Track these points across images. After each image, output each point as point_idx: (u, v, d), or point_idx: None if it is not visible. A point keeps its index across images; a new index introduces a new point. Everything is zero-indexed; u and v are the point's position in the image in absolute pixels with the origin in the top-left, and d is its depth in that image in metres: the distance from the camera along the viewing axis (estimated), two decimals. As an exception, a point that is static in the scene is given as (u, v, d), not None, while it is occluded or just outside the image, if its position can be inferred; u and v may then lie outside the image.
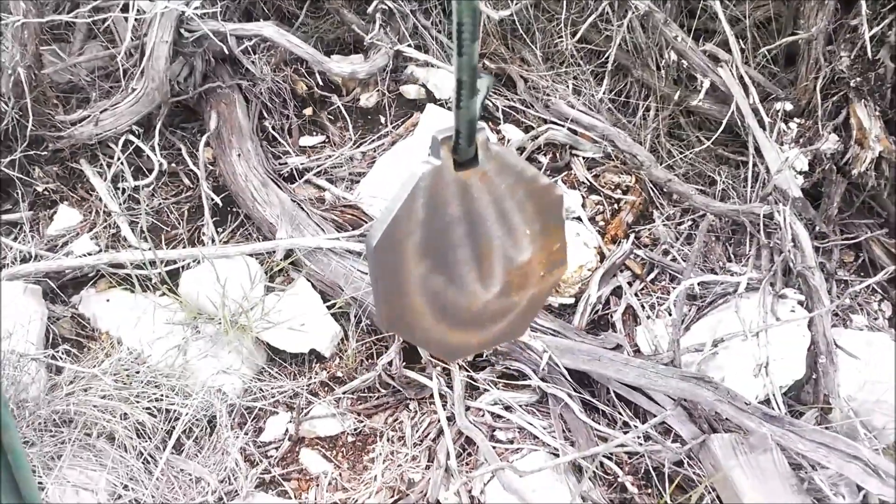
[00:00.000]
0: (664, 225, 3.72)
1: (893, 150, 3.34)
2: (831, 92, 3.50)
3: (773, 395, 2.92)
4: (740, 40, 3.87)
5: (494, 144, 0.86)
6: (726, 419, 2.86)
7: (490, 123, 3.90)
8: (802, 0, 3.62)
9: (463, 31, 0.77)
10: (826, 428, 3.03)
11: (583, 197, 3.73)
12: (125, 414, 2.80)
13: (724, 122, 3.64)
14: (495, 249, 0.90)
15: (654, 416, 2.92)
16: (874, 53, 3.28)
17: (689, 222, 3.76)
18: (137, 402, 2.84)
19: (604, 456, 2.84)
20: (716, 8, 3.71)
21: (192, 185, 3.57)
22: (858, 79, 3.38)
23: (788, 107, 3.65)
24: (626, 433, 2.87)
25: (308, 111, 3.90)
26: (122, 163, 3.45)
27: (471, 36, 0.77)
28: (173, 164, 3.61)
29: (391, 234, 0.84)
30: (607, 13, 4.00)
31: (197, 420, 2.89)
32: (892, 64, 3.29)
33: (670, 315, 3.24)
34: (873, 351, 3.22)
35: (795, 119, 3.62)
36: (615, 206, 3.75)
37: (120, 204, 3.39)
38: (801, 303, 3.25)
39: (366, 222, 3.37)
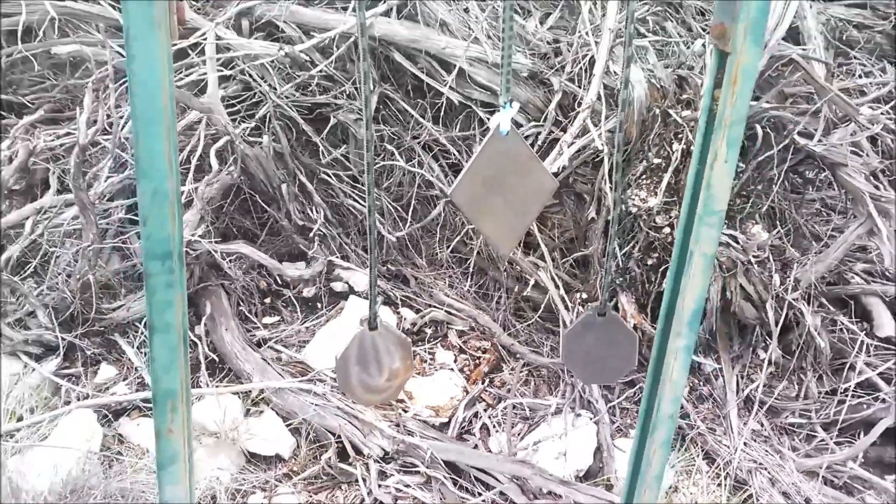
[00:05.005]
0: (509, 373, 5.59)
1: (651, 328, 5.35)
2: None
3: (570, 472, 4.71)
4: (554, 252, 5.94)
5: (384, 322, 2.52)
6: (542, 489, 4.62)
7: (392, 307, 5.78)
8: (588, 228, 5.74)
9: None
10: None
11: (455, 356, 5.59)
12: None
13: (542, 305, 5.62)
14: (384, 365, 2.46)
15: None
16: (625, 263, 5.36)
17: (526, 371, 5.63)
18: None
19: (464, 515, 4.54)
20: (535, 232, 5.79)
21: (192, 350, 5.25)
22: (620, 279, 5.43)
23: (585, 296, 5.67)
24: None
25: (268, 300, 5.71)
26: (143, 335, 5.13)
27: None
28: (177, 336, 5.29)
29: (343, 360, 2.53)
30: (470, 231, 6.04)
31: (202, 496, 4.45)
32: (637, 269, 5.36)
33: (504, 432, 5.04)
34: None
35: (589, 304, 5.63)
36: (477, 361, 5.61)
37: (144, 362, 5.04)
38: (591, 419, 5.11)
39: (310, 373, 5.12)
